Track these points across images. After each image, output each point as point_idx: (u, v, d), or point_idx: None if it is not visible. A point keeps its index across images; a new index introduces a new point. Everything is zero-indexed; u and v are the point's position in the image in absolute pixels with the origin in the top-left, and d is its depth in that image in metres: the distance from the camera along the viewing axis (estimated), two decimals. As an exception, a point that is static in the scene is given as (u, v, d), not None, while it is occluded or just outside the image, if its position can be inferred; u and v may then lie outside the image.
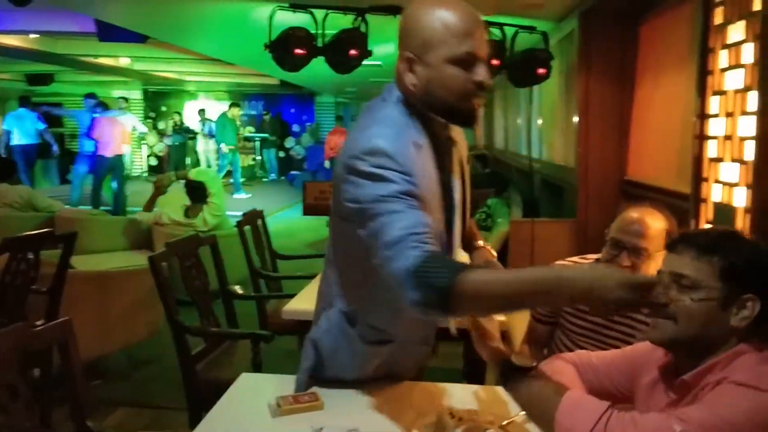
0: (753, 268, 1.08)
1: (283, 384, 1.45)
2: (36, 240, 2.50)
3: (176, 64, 9.85)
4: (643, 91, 3.33)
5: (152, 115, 14.40)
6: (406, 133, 1.27)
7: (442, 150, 1.34)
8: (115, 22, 4.83)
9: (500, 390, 1.24)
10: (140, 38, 5.54)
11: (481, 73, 1.23)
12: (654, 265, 1.63)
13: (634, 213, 1.66)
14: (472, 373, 2.05)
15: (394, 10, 3.68)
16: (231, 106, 11.38)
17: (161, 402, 3.04)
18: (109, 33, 5.38)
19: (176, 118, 13.57)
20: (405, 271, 1.10)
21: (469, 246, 1.50)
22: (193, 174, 4.70)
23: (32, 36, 7.14)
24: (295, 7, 3.56)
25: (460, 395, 1.45)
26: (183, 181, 4.65)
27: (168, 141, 13.32)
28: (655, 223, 1.63)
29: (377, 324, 1.40)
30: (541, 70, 3.65)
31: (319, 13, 3.59)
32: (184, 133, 13.11)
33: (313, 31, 3.58)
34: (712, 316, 1.08)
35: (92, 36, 5.85)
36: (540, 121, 4.19)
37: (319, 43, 3.60)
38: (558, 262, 1.92)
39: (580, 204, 3.63)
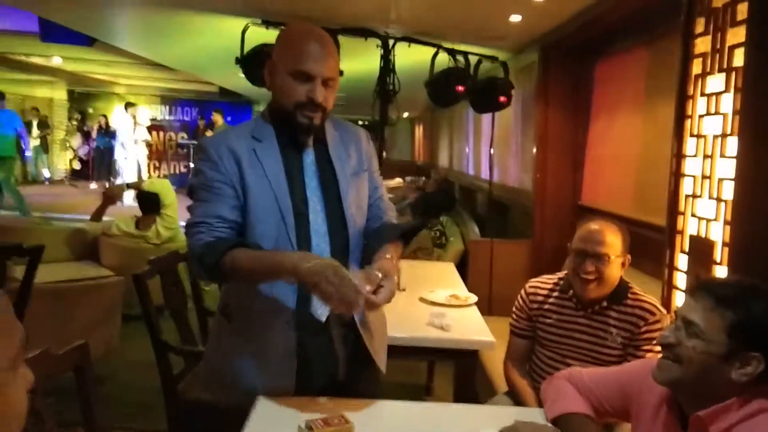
0: (764, 328, 1.09)
1: (302, 405, 1.47)
2: (3, 252, 2.37)
3: (110, 67, 9.47)
4: (598, 125, 3.58)
5: (77, 117, 13.69)
6: (241, 130, 1.53)
7: (293, 154, 1.52)
8: (66, 24, 4.62)
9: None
10: (87, 41, 5.31)
11: (313, 90, 1.45)
12: (615, 268, 1.84)
13: (593, 224, 1.88)
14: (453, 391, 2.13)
15: (365, 33, 3.76)
16: (127, 106, 10.55)
17: (121, 423, 2.93)
18: (53, 34, 5.14)
19: (102, 120, 12.94)
20: (192, 251, 1.45)
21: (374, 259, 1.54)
22: (146, 185, 4.54)
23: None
24: (268, 24, 3.56)
25: (496, 415, 1.51)
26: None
27: (93, 144, 12.68)
28: (612, 231, 1.85)
29: (239, 306, 1.54)
30: (502, 98, 3.82)
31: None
32: (110, 136, 12.52)
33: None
34: (711, 368, 1.12)
35: (32, 35, 5.58)
36: (492, 145, 4.36)
37: (290, 60, 3.61)
38: (531, 280, 2.07)
39: (536, 226, 3.82)
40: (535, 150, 3.81)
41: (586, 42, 3.50)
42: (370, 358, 1.60)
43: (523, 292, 2.07)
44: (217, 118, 10.70)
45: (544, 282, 2.04)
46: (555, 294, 1.99)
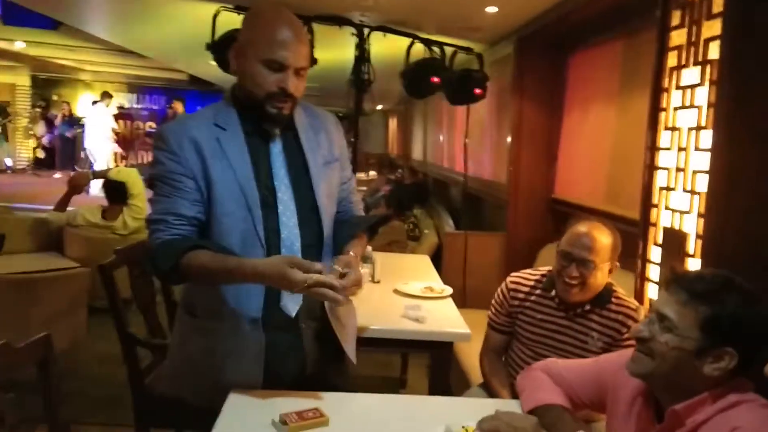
0: (737, 323, 1.08)
1: (275, 401, 1.43)
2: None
3: (75, 52, 9.21)
4: (571, 118, 3.60)
5: (41, 104, 13.28)
6: (203, 118, 1.45)
7: (259, 142, 1.47)
8: (30, 6, 4.45)
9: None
10: (51, 24, 5.14)
11: (285, 80, 1.39)
12: (600, 275, 1.81)
13: (582, 228, 1.83)
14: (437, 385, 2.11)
15: (339, 21, 3.71)
16: (103, 95, 10.31)
17: (85, 418, 2.85)
18: (15, 16, 4.96)
19: (65, 108, 12.57)
20: (149, 249, 1.41)
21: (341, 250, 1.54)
22: (113, 173, 4.42)
23: None
24: (239, 9, 3.47)
25: (473, 408, 1.50)
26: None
27: (57, 132, 12.32)
28: (602, 238, 1.80)
29: (205, 303, 1.49)
30: (477, 90, 3.80)
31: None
32: (75, 124, 12.18)
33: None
34: (684, 362, 1.11)
35: (-8, 16, 5.37)
36: (467, 138, 4.35)
37: (263, 47, 3.54)
38: (513, 274, 2.05)
39: (509, 219, 3.83)
40: (509, 142, 3.81)
41: (562, 34, 3.51)
42: (339, 350, 1.57)
43: (503, 286, 2.04)
44: (177, 106, 10.45)
45: (527, 278, 2.00)
46: (537, 292, 1.95)
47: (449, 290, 2.58)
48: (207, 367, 1.49)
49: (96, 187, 6.87)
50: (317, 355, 1.56)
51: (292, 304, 1.46)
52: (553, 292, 1.90)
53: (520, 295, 1.97)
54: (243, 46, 1.43)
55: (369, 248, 2.78)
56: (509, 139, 3.82)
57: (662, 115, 1.95)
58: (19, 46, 8.68)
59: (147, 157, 12.96)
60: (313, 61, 3.82)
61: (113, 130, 10.08)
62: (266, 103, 1.42)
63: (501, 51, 4.05)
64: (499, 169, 4.15)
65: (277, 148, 1.49)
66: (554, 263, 1.87)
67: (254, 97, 1.42)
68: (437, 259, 3.92)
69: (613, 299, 1.84)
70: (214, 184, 1.41)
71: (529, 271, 2.05)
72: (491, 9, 3.30)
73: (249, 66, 1.40)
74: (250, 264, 1.33)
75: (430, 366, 2.14)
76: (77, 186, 4.34)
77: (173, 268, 1.35)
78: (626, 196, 2.80)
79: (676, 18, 1.91)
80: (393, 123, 12.69)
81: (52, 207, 4.46)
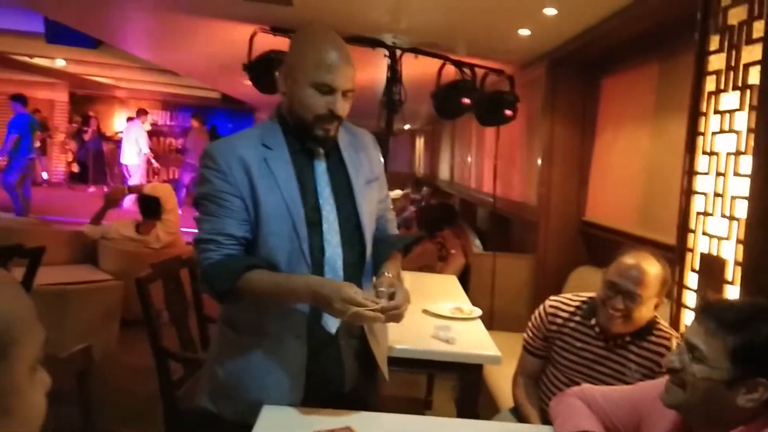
0: None
1: (308, 417, 1.44)
2: (4, 253, 2.34)
3: (113, 70, 9.48)
4: (604, 140, 3.57)
5: (78, 119, 13.65)
6: (250, 137, 1.47)
7: (304, 161, 1.48)
8: (73, 25, 4.61)
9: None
10: (92, 43, 5.31)
11: (334, 103, 1.42)
12: (645, 309, 1.76)
13: (632, 259, 1.76)
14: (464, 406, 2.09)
15: (373, 43, 3.76)
16: (138, 112, 10.48)
17: (117, 429, 2.89)
18: (58, 35, 5.14)
19: (97, 124, 12.90)
20: (201, 271, 1.42)
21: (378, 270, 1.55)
22: (147, 189, 4.52)
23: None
24: (276, 30, 3.55)
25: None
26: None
27: (90, 147, 12.63)
28: (652, 270, 1.74)
29: (250, 318, 1.49)
30: (508, 112, 3.81)
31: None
32: (104, 140, 12.49)
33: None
34: (715, 393, 1.09)
35: (36, 36, 5.57)
36: (496, 159, 4.36)
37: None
38: (552, 298, 2.02)
39: (539, 241, 3.80)
40: (540, 164, 3.80)
41: (595, 56, 3.50)
42: (373, 367, 1.58)
43: (542, 309, 1.99)
44: (194, 123, 10.64)
45: (567, 303, 1.96)
46: (576, 318, 1.90)
47: (478, 311, 2.56)
48: (247, 383, 1.49)
49: (129, 201, 7.02)
50: (356, 373, 1.57)
51: (332, 321, 1.47)
52: (593, 321, 1.85)
53: (559, 320, 1.93)
54: (291, 68, 1.44)
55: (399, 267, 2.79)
56: (540, 160, 3.81)
57: (700, 140, 1.93)
58: (59, 63, 8.97)
59: (176, 173, 13.18)
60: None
61: (148, 147, 10.29)
62: (315, 125, 1.43)
63: (533, 72, 4.06)
64: (528, 190, 4.13)
65: (321, 167, 1.50)
66: (599, 291, 1.83)
67: (303, 119, 1.44)
68: (464, 280, 3.90)
69: (655, 331, 1.79)
70: (261, 204, 1.42)
71: (569, 295, 2.00)
72: (524, 32, 3.31)
73: (298, 89, 1.42)
74: (306, 287, 1.35)
75: (459, 388, 2.12)
76: (113, 200, 4.45)
77: (230, 290, 1.37)
78: (660, 221, 2.76)
79: (714, 42, 1.90)
80: (420, 143, 12.73)
81: (87, 220, 4.57)
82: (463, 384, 2.11)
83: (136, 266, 2.90)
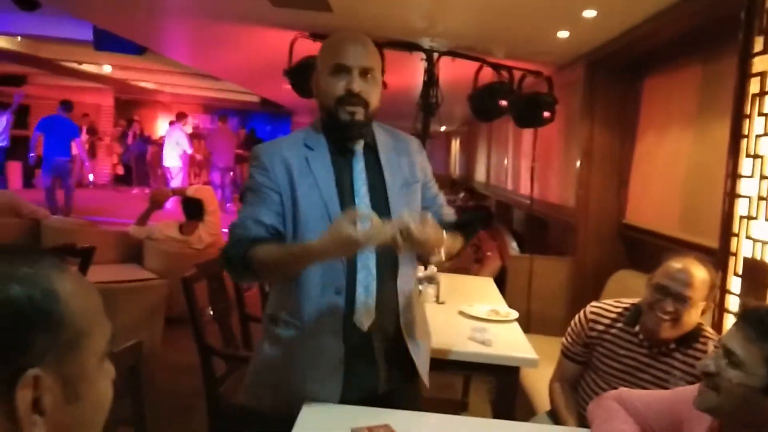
0: None
1: (348, 415, 1.48)
2: (57, 253, 2.45)
3: (156, 75, 9.76)
4: (644, 142, 3.52)
5: (123, 123, 14.11)
6: (294, 139, 1.55)
7: (343, 161, 1.53)
8: (120, 33, 4.79)
9: None
10: (138, 50, 5.49)
11: (350, 82, 1.45)
12: (694, 312, 1.74)
13: (680, 263, 1.75)
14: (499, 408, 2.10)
15: (410, 47, 3.80)
16: (179, 116, 10.62)
17: (161, 425, 2.98)
18: (106, 42, 5.33)
19: (140, 127, 13.30)
20: (223, 249, 1.50)
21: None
22: (190, 191, 4.65)
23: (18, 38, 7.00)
24: (315, 36, 3.62)
25: None
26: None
27: (134, 150, 13.03)
28: (701, 274, 1.72)
29: (288, 314, 1.54)
30: (546, 113, 3.79)
31: (338, 44, 3.67)
32: (147, 143, 12.86)
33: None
34: (751, 399, 1.08)
35: (85, 43, 5.79)
36: (533, 161, 4.33)
37: (336, 72, 3.67)
38: (594, 303, 2.01)
39: (577, 243, 3.76)
40: (578, 166, 3.76)
41: (635, 58, 3.46)
42: (412, 373, 1.60)
43: (582, 314, 1.98)
44: (219, 123, 11.04)
45: (609, 309, 1.94)
46: (618, 325, 1.89)
47: (515, 314, 2.56)
48: (287, 378, 1.54)
49: (172, 202, 7.22)
50: (390, 376, 1.58)
51: (365, 318, 1.50)
52: (637, 327, 1.84)
53: (600, 327, 1.92)
54: (318, 70, 1.53)
55: (434, 269, 2.82)
56: (578, 162, 3.77)
57: (744, 142, 1.90)
58: (106, 69, 9.30)
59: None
60: (384, 85, 3.96)
61: (191, 149, 10.58)
62: (339, 110, 1.47)
63: (571, 74, 4.02)
64: (566, 192, 4.09)
65: (359, 166, 1.54)
66: (645, 295, 1.81)
67: (328, 108, 1.49)
68: (500, 282, 3.89)
69: (701, 338, 1.77)
70: (300, 202, 1.47)
71: (611, 301, 1.98)
72: (563, 34, 3.29)
73: (320, 82, 1.50)
74: (316, 244, 1.35)
75: (496, 390, 2.13)
76: (158, 202, 4.59)
77: (242, 258, 1.42)
78: (702, 224, 2.71)
79: (758, 44, 1.87)
80: (455, 144, 12.69)
81: (132, 221, 4.73)
82: (500, 386, 2.13)
83: (180, 266, 3.00)
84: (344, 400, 1.53)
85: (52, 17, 5.30)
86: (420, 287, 2.68)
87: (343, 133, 1.51)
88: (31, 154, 8.24)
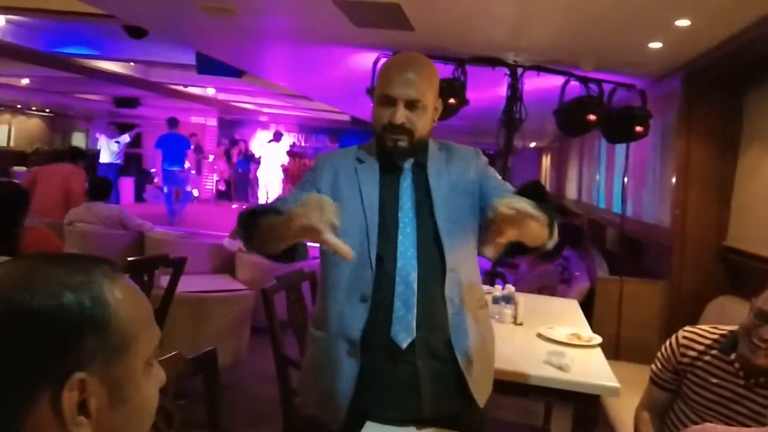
0: None
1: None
2: (152, 262, 2.63)
3: (255, 97, 10.27)
4: (748, 159, 3.26)
5: (225, 142, 14.95)
6: (349, 151, 1.62)
7: (391, 177, 1.55)
8: (220, 58, 5.10)
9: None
10: (236, 73, 5.81)
11: (394, 114, 1.47)
12: None
13: None
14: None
15: (493, 62, 3.76)
16: (276, 135, 11.16)
17: (243, 430, 3.10)
18: (207, 67, 5.69)
19: (242, 146, 14.03)
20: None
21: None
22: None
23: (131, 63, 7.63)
24: (398, 55, 3.68)
25: None
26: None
27: (235, 168, 13.75)
28: None
29: (319, 317, 1.58)
30: (639, 128, 3.62)
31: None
32: (251, 161, 13.51)
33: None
34: None
35: (189, 67, 6.21)
36: (626, 178, 4.13)
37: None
38: (687, 328, 1.88)
39: (673, 266, 3.54)
40: (674, 183, 3.55)
41: (736, 68, 3.22)
42: (467, 393, 1.52)
43: (674, 339, 1.87)
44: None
45: (703, 335, 1.82)
46: (713, 352, 1.76)
47: (598, 339, 2.43)
48: (317, 380, 1.59)
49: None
50: (437, 398, 1.50)
51: (404, 334, 1.46)
52: (733, 356, 1.71)
53: (692, 353, 1.80)
54: (374, 94, 1.58)
55: (512, 288, 2.74)
56: (674, 179, 3.56)
57: None
58: (210, 92, 9.92)
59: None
60: (466, 101, 3.93)
61: (282, 166, 11.08)
62: (384, 137, 1.52)
63: (667, 87, 3.82)
64: (661, 211, 3.86)
65: (406, 183, 1.55)
66: (746, 319, 1.67)
67: (377, 132, 1.55)
68: (588, 306, 3.72)
69: None
70: (341, 204, 1.40)
71: (706, 327, 1.86)
72: (655, 45, 3.13)
73: (373, 107, 1.55)
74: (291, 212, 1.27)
75: (574, 418, 2.03)
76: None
77: (245, 219, 1.45)
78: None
79: None
80: (546, 160, 12.35)
81: (227, 234, 4.98)
82: (579, 415, 2.02)
83: (268, 277, 3.11)
84: (381, 419, 1.49)
85: (158, 44, 5.74)
86: (496, 307, 2.61)
87: (388, 156, 1.56)
88: (153, 170, 9.28)
